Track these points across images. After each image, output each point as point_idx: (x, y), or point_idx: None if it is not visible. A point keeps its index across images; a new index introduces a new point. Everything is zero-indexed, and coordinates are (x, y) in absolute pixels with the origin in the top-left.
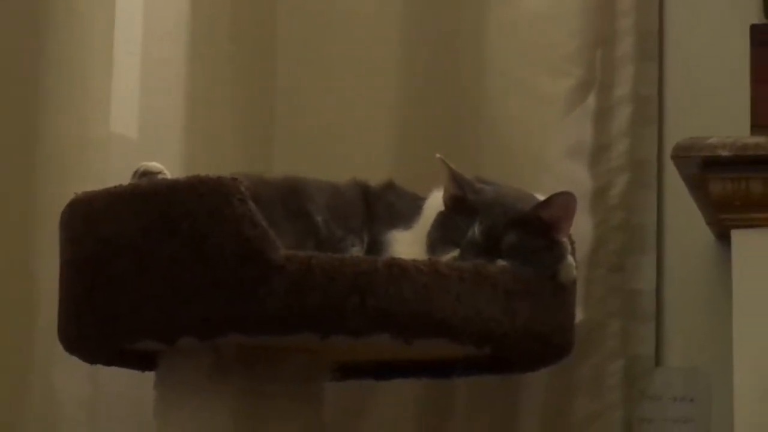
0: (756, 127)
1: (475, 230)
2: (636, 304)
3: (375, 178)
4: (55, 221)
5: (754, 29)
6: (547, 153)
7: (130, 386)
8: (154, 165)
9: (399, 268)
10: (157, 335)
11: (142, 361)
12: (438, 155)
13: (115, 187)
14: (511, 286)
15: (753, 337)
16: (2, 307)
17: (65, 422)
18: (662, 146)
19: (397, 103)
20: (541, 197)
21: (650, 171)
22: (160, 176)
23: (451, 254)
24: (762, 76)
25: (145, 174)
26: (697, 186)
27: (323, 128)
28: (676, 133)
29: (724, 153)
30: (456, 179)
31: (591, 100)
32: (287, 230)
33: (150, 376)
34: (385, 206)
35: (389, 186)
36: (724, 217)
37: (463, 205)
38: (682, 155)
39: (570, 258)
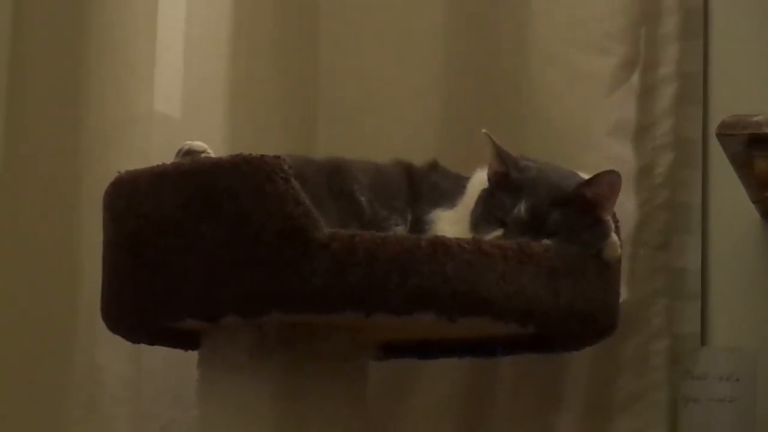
0: None
1: (521, 208)
2: (681, 283)
3: (418, 157)
4: (99, 200)
5: None
6: (590, 131)
7: (172, 365)
8: (198, 144)
9: (442, 247)
10: (200, 314)
11: (185, 341)
12: (484, 130)
13: (158, 165)
14: (555, 264)
15: None
16: (46, 287)
17: (108, 400)
18: (707, 124)
19: (439, 81)
20: (584, 176)
21: (695, 149)
22: (203, 155)
23: (495, 233)
24: None
25: (189, 153)
26: (742, 164)
27: (366, 109)
28: (721, 112)
29: None
30: (500, 155)
31: (635, 79)
32: (331, 210)
33: (192, 354)
34: (429, 186)
35: (433, 166)
36: None
37: (507, 182)
38: (727, 133)
39: (614, 236)
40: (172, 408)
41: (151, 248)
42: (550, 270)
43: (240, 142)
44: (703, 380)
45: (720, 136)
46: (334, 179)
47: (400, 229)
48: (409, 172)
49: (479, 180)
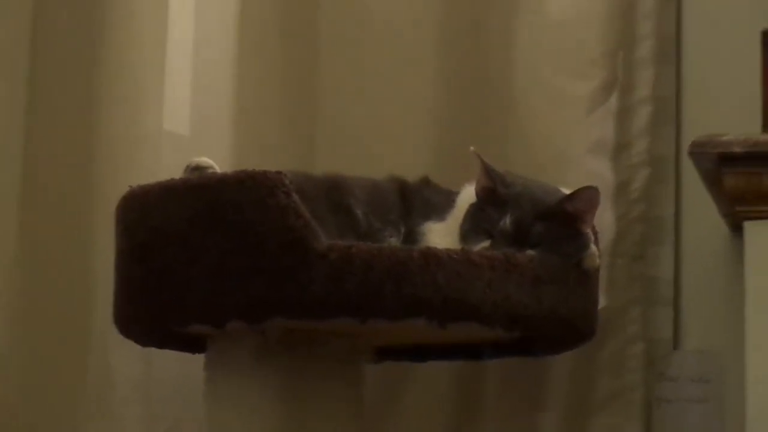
0: None
1: (506, 221)
2: (655, 291)
3: (412, 173)
4: (110, 213)
5: (766, 35)
6: (571, 149)
7: (181, 368)
8: (205, 160)
9: (433, 257)
10: (206, 319)
11: (193, 345)
12: (472, 148)
13: (168, 180)
14: (538, 273)
15: (764, 322)
16: (63, 295)
17: (121, 401)
18: (680, 144)
19: (432, 103)
20: (566, 191)
21: (668, 167)
22: (210, 171)
23: (483, 244)
24: None
25: (196, 168)
26: (712, 180)
27: (363, 127)
28: (692, 132)
29: (738, 149)
30: (488, 172)
31: (613, 101)
32: (329, 222)
33: (200, 357)
34: (421, 200)
35: (425, 182)
36: (738, 210)
37: (494, 196)
38: (698, 151)
39: (593, 247)
40: (180, 408)
41: (160, 258)
42: (534, 279)
43: (245, 159)
44: (676, 382)
45: (692, 154)
46: (333, 194)
47: (394, 241)
48: (402, 187)
49: (468, 194)
